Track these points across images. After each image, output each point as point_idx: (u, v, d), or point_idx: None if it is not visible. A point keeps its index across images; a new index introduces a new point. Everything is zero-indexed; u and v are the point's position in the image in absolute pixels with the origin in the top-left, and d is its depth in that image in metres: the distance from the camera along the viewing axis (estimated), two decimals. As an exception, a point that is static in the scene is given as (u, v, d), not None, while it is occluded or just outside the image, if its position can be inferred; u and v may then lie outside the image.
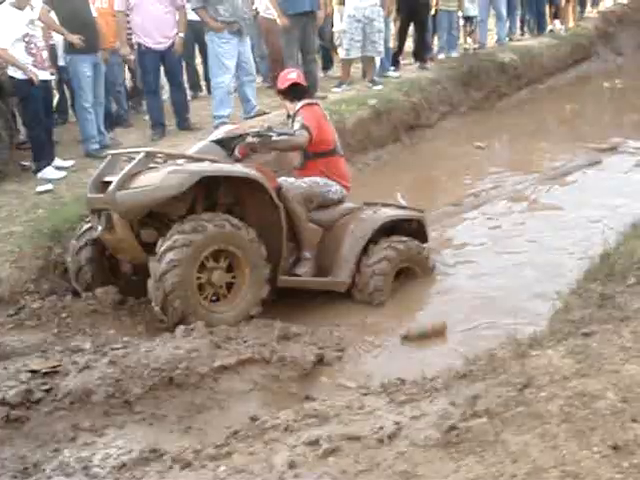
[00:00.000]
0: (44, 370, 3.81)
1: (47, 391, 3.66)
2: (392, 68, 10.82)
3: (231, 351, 4.14)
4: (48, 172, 7.06)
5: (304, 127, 5.42)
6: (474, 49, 12.52)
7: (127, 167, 4.87)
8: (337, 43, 11.21)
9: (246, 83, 8.49)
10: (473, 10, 12.26)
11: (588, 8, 16.23)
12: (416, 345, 4.82)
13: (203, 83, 10.56)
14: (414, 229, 5.86)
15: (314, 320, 5.07)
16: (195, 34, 9.28)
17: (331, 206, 5.64)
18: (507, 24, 13.35)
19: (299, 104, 5.64)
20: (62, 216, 6.02)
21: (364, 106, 9.16)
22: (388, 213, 5.75)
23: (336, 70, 11.08)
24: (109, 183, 4.84)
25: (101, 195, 4.89)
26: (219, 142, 5.28)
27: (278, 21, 8.88)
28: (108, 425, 3.52)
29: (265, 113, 8.53)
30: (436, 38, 12.19)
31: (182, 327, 4.43)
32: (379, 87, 9.85)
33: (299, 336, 4.63)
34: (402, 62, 11.44)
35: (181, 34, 8.25)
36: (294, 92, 5.72)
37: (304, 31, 8.95)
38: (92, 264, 5.23)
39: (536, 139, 10.06)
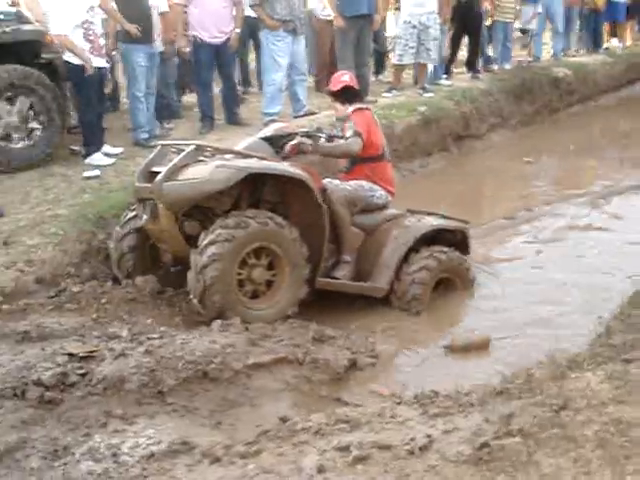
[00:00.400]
0: (81, 354, 3.83)
1: (82, 375, 3.67)
2: (444, 76, 10.76)
3: (266, 349, 4.13)
4: (97, 158, 7.14)
5: (357, 134, 5.41)
6: (528, 62, 12.40)
7: (176, 159, 4.88)
8: (390, 48, 11.21)
9: (297, 82, 8.51)
10: (531, 23, 12.14)
11: (647, 28, 16.01)
12: (455, 357, 4.78)
13: (254, 80, 10.61)
14: (457, 240, 5.80)
15: (349, 325, 5.06)
16: (251, 30, 9.34)
17: (375, 211, 5.60)
18: (563, 39, 13.19)
19: (350, 108, 5.62)
20: (108, 202, 6.08)
21: (414, 113, 9.12)
22: (432, 222, 5.70)
23: (388, 75, 11.05)
24: (157, 173, 4.86)
25: (148, 185, 4.89)
26: (268, 139, 5.26)
27: (334, 22, 8.87)
28: (139, 414, 3.52)
29: (314, 113, 8.54)
30: (490, 49, 12.10)
31: (219, 321, 4.45)
32: (430, 94, 9.79)
33: (333, 339, 4.61)
34: (454, 71, 11.37)
35: (237, 30, 8.28)
36: (346, 95, 5.70)
37: (360, 34, 8.94)
38: (134, 252, 5.27)
39: (586, 157, 9.95)
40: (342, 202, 5.33)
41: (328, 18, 9.60)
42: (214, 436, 3.35)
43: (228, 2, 8.12)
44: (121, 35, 7.75)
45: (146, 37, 7.65)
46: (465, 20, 10.72)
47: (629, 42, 14.55)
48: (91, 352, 3.87)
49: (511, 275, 6.08)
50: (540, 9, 12.28)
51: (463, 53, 11.71)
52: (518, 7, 11.94)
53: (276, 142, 5.24)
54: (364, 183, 5.55)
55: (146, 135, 7.72)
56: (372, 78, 10.44)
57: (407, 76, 10.68)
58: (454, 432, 2.95)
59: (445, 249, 5.55)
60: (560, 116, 11.97)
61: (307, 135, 5.36)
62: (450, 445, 2.81)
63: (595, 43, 13.98)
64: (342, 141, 5.52)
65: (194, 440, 3.19)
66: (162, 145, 5.46)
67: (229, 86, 8.61)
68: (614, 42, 14.27)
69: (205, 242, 4.58)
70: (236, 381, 3.86)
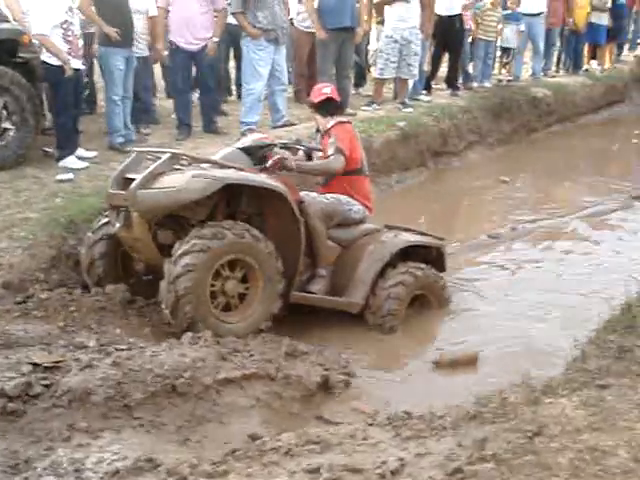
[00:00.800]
0: (46, 364, 3.73)
1: (47, 386, 3.57)
2: (424, 92, 10.77)
3: (237, 364, 4.05)
4: (70, 161, 7.03)
5: (339, 151, 5.38)
6: (508, 81, 12.47)
7: (151, 166, 4.81)
8: (371, 62, 11.20)
9: (277, 92, 8.45)
10: (512, 42, 12.21)
11: (625, 52, 16.15)
12: (441, 373, 4.82)
13: (234, 87, 10.54)
14: (433, 257, 5.77)
15: (324, 340, 5.00)
16: (232, 38, 9.27)
17: (351, 225, 5.56)
18: (543, 59, 13.28)
19: (332, 121, 5.59)
20: (79, 207, 5.97)
21: (392, 127, 9.10)
22: (409, 238, 5.67)
23: (368, 88, 11.03)
24: (132, 180, 4.77)
25: (122, 192, 4.81)
26: (246, 150, 5.20)
27: (317, 34, 8.84)
28: (105, 428, 3.43)
29: (293, 124, 8.49)
30: (471, 66, 12.14)
31: (189, 334, 4.36)
32: (409, 110, 9.79)
33: (306, 355, 4.55)
34: (434, 87, 11.39)
35: (215, 38, 8.20)
36: (327, 107, 5.67)
37: (342, 47, 8.92)
38: (105, 259, 5.17)
39: (562, 177, 9.99)
40: (319, 215, 5.27)
41: (307, 30, 9.57)
42: (181, 453, 3.28)
43: (207, 8, 8.04)
44: (100, 38, 7.65)
45: (125, 41, 7.56)
46: (446, 36, 10.75)
47: (608, 65, 14.69)
48: (57, 362, 3.78)
49: (487, 294, 6.07)
50: (523, 28, 12.35)
51: (443, 69, 11.73)
52: (500, 26, 11.99)
53: (254, 153, 5.19)
54: (341, 197, 5.51)
55: (122, 139, 7.63)
56: (352, 91, 10.40)
57: (388, 90, 10.67)
58: (427, 456, 2.90)
59: (422, 265, 5.53)
60: (538, 136, 12.03)
61: (285, 147, 5.31)
62: (422, 470, 2.77)
63: (575, 64, 14.09)
64: (320, 155, 5.50)
65: (160, 457, 3.11)
66: (138, 152, 5.36)
67: (207, 94, 8.53)
68: (594, 64, 14.39)
69: (180, 252, 4.50)
70: (205, 396, 3.78)
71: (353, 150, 5.54)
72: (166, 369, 3.78)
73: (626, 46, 16.26)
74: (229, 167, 4.93)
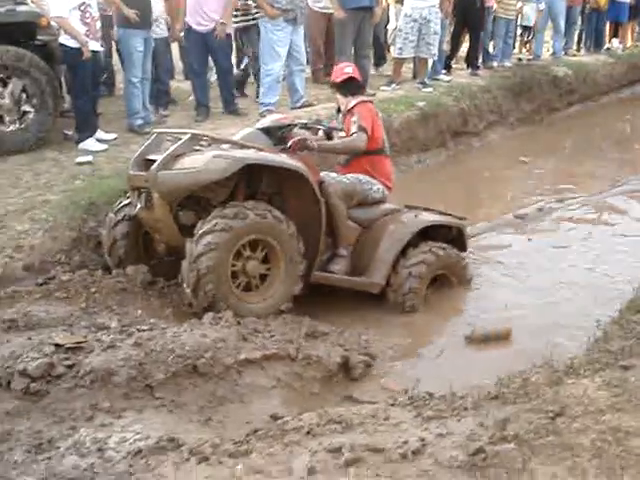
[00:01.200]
0: (68, 345, 3.75)
1: (69, 367, 3.59)
2: (444, 72, 10.67)
3: (257, 345, 4.06)
4: (89, 143, 7.05)
5: (362, 129, 5.37)
6: (528, 60, 12.34)
7: (171, 147, 4.81)
8: (391, 41, 11.11)
9: (296, 72, 8.41)
10: (532, 20, 12.07)
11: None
12: (468, 349, 4.81)
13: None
14: (453, 237, 5.75)
15: (344, 322, 4.99)
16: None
17: (372, 205, 5.54)
18: (564, 38, 13.13)
19: (353, 101, 5.55)
20: (99, 189, 6.00)
21: (412, 107, 9.05)
22: (429, 218, 5.65)
23: (387, 68, 10.96)
24: (152, 162, 4.78)
25: (143, 173, 4.83)
26: (265, 130, 5.19)
27: (335, 13, 8.77)
28: (127, 408, 3.45)
29: (312, 105, 8.45)
30: (491, 45, 12.02)
31: (210, 314, 4.37)
32: (429, 90, 9.72)
33: (326, 335, 4.55)
34: (454, 66, 11.29)
35: (224, 20, 8.12)
36: (349, 87, 5.65)
37: (360, 26, 8.85)
38: (127, 240, 5.19)
39: (583, 157, 9.91)
40: (339, 195, 5.26)
41: (322, 11, 9.49)
42: (203, 433, 3.29)
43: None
44: (118, 19, 7.64)
45: (144, 22, 7.54)
46: (466, 15, 10.64)
47: (630, 43, 14.49)
48: (79, 343, 3.79)
49: (508, 273, 6.04)
50: (543, 6, 12.20)
51: (463, 49, 11.62)
52: (520, 4, 11.85)
53: (274, 133, 5.17)
54: (361, 177, 5.49)
55: (141, 121, 7.63)
56: (372, 71, 10.33)
57: (407, 70, 10.59)
58: (448, 436, 2.89)
59: (444, 245, 5.52)
60: (559, 115, 11.92)
61: (305, 127, 5.29)
62: (444, 450, 2.76)
63: (597, 43, 13.91)
64: (341, 135, 5.50)
65: (182, 437, 3.13)
66: (158, 133, 5.36)
67: (223, 75, 8.48)
68: (615, 43, 14.19)
69: (202, 231, 4.50)
70: (226, 377, 3.79)
71: (375, 129, 5.51)
72: (187, 349, 3.78)
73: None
74: (249, 147, 4.92)
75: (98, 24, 7.15)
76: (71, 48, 6.85)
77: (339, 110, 5.80)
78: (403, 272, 5.29)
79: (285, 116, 5.82)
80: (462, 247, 5.78)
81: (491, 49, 11.86)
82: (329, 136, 5.70)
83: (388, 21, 11.46)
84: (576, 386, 3.27)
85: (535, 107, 11.42)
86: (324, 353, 4.24)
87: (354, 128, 5.38)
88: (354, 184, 5.42)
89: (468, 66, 11.25)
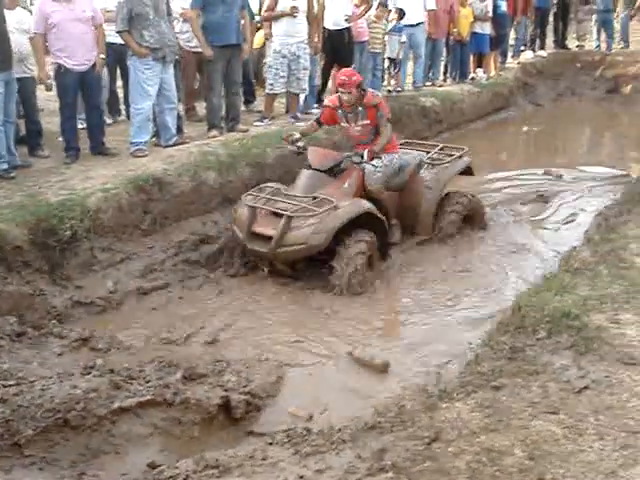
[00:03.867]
0: None
1: None
2: (316, 105, 10.81)
3: (132, 392, 3.94)
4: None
5: (388, 120, 7.01)
6: (397, 91, 12.68)
7: (278, 227, 6.24)
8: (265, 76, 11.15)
9: (167, 111, 8.31)
10: (396, 53, 12.44)
11: (509, 59, 16.69)
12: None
13: (122, 107, 10.30)
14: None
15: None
16: (117, 57, 9.06)
17: (399, 172, 7.20)
18: (427, 68, 13.57)
19: (375, 99, 6.94)
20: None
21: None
22: (447, 172, 7.64)
23: (258, 104, 10.99)
24: (259, 234, 6.41)
25: (264, 250, 6.35)
26: (322, 170, 6.74)
27: (203, 52, 8.76)
28: (-7, 469, 3.29)
29: (185, 142, 8.39)
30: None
31: (81, 364, 4.22)
32: (301, 124, 9.80)
33: (205, 377, 4.47)
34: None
35: (102, 55, 8.00)
36: (361, 84, 6.95)
37: (229, 63, 8.86)
38: None
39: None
40: (380, 189, 6.90)
41: (194, 50, 9.47)
42: (75, 489, 3.15)
43: (89, 28, 7.84)
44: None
45: (3, 64, 7.26)
46: (335, 50, 10.83)
47: (493, 72, 15.13)
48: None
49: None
50: (404, 38, 12.60)
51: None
52: (386, 37, 12.16)
53: (329, 171, 6.78)
54: (388, 157, 7.00)
55: (6, 165, 7.33)
56: (242, 107, 10.34)
57: (279, 104, 10.66)
58: (326, 471, 2.89)
59: (469, 195, 7.64)
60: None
61: (350, 159, 6.82)
62: (322, 486, 2.75)
63: (462, 73, 14.45)
64: (366, 123, 6.95)
65: (52, 496, 2.99)
66: (249, 206, 6.55)
67: (95, 115, 8.29)
68: (479, 72, 14.79)
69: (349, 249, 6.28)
70: (100, 428, 3.66)
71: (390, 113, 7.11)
72: (57, 402, 3.64)
73: (510, 54, 16.77)
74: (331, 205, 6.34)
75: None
76: None
77: (318, 121, 7.33)
78: (446, 216, 7.36)
79: (326, 151, 7.19)
80: (470, 173, 8.04)
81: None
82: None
83: (263, 56, 11.49)
84: (450, 410, 3.34)
85: (405, 137, 11.70)
86: (202, 395, 4.16)
87: (383, 122, 6.95)
88: (387, 168, 6.98)
89: (339, 99, 11.40)
